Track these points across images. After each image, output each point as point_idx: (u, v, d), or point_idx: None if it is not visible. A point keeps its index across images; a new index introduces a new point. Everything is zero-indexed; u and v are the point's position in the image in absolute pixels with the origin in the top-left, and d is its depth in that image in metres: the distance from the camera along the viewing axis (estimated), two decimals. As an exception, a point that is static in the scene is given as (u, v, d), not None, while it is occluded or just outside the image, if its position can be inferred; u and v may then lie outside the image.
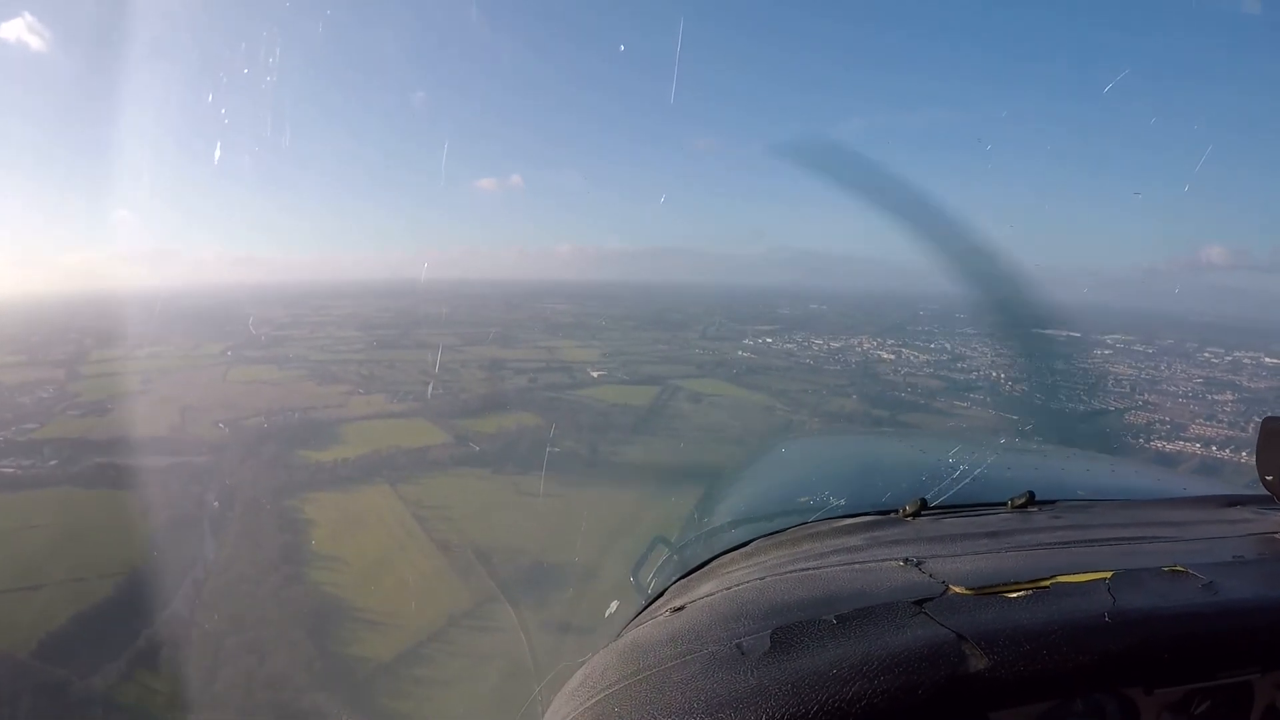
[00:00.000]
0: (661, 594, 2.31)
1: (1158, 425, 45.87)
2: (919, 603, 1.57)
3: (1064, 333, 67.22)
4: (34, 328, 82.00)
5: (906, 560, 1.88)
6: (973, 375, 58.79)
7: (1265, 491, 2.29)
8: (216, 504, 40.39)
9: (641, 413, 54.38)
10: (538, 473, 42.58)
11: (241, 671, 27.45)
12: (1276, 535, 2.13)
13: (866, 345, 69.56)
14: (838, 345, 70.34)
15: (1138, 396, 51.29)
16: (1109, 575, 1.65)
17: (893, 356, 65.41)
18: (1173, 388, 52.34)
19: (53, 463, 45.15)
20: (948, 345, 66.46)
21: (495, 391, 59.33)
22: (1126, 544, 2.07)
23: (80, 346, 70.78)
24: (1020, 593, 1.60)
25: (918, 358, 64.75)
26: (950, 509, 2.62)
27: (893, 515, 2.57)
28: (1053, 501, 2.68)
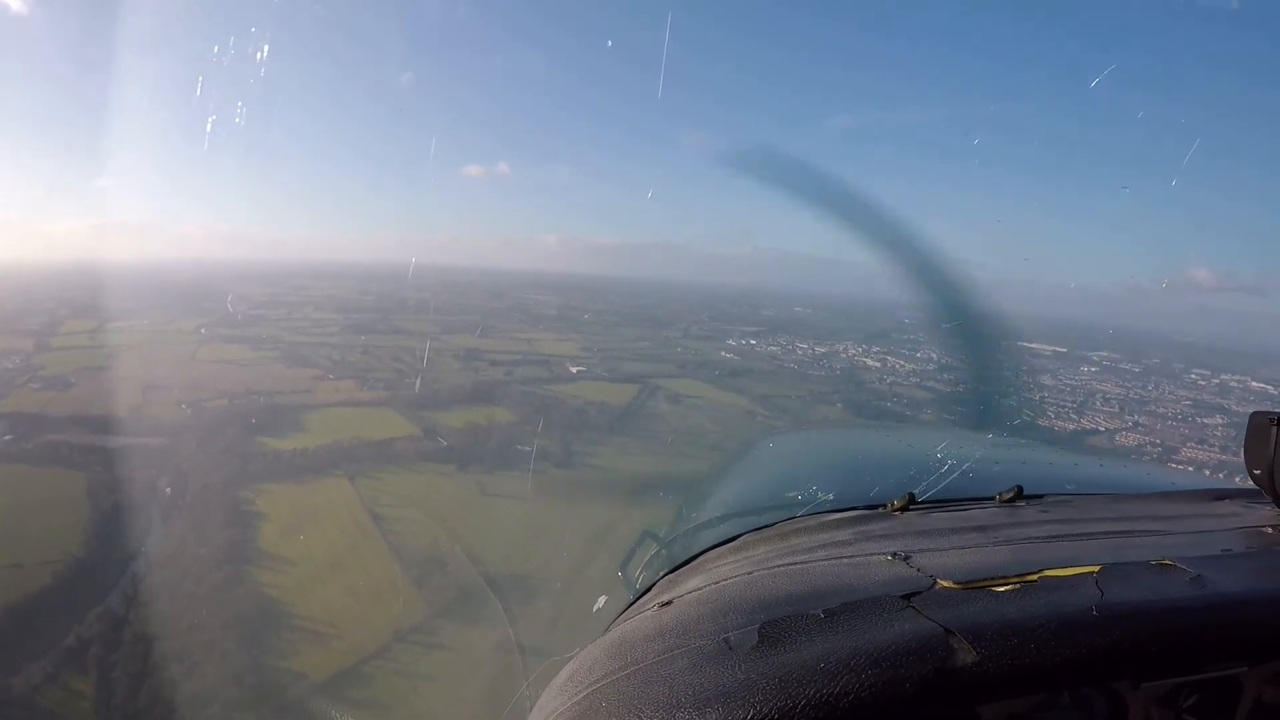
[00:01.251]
0: (649, 589, 2.29)
1: (1149, 447, 44.81)
2: (907, 597, 1.55)
3: (1050, 348, 66.87)
4: (10, 296, 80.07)
5: (894, 554, 1.87)
6: (959, 388, 56.74)
7: (1253, 485, 2.25)
8: (169, 491, 38.31)
9: (618, 412, 51.89)
10: (504, 471, 40.19)
11: (166, 682, 25.43)
12: (1264, 529, 2.14)
13: (851, 351, 67.42)
14: (822, 350, 68.30)
15: (1127, 417, 50.43)
16: (1096, 569, 1.64)
17: (878, 364, 63.50)
18: (1162, 409, 51.65)
19: (7, 438, 43.72)
20: (934, 355, 63.97)
21: (468, 383, 56.78)
22: (1114, 538, 2.06)
23: (54, 317, 69.06)
24: (1008, 587, 1.59)
25: (903, 366, 62.68)
26: (938, 503, 2.55)
27: (880, 509, 2.53)
28: (1040, 495, 2.61)
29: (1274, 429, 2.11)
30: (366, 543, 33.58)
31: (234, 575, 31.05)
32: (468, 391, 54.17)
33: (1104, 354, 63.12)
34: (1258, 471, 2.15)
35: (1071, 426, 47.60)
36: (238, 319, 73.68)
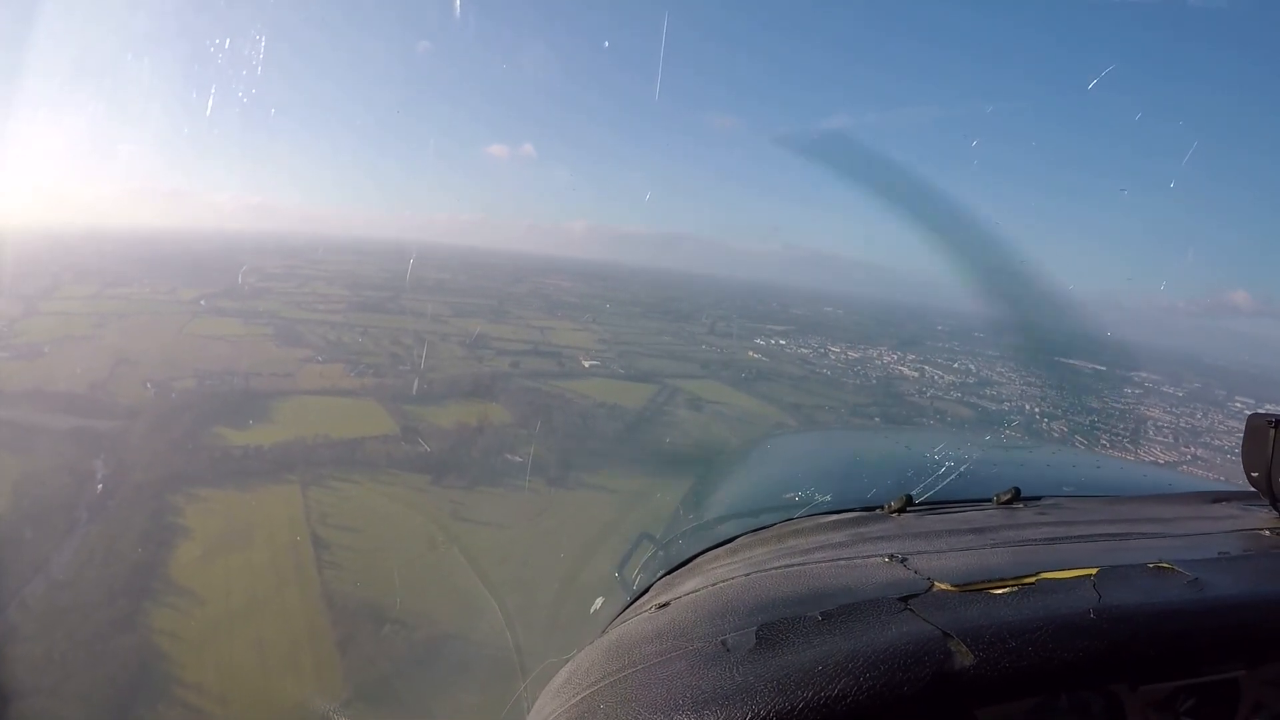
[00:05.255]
0: (647, 590, 2.27)
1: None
2: (904, 599, 1.54)
3: (1089, 365, 59.34)
4: (20, 260, 74.01)
5: (891, 556, 1.85)
6: (1004, 405, 50.44)
7: (1250, 487, 2.26)
8: (100, 487, 31.05)
9: (631, 418, 44.08)
10: (487, 487, 32.66)
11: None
12: (1262, 531, 2.11)
13: (887, 359, 60.28)
14: (856, 355, 61.02)
15: (1184, 449, 43.26)
16: (1094, 572, 1.62)
17: (916, 374, 56.50)
18: (1217, 441, 43.79)
19: (-50, 415, 37.28)
20: (972, 367, 58.16)
21: (468, 374, 49.42)
22: (1112, 540, 2.04)
23: (56, 281, 62.40)
24: (1005, 589, 1.58)
25: (942, 378, 56.12)
26: (935, 505, 2.52)
27: (878, 511, 2.49)
28: (1038, 497, 2.57)
29: (1272, 431, 2.06)
30: (297, 577, 25.59)
31: (126, 616, 23.26)
32: (465, 384, 46.69)
33: (1144, 374, 55.87)
34: (1255, 474, 2.14)
35: (1130, 459, 40.15)
36: (244, 291, 66.77)
